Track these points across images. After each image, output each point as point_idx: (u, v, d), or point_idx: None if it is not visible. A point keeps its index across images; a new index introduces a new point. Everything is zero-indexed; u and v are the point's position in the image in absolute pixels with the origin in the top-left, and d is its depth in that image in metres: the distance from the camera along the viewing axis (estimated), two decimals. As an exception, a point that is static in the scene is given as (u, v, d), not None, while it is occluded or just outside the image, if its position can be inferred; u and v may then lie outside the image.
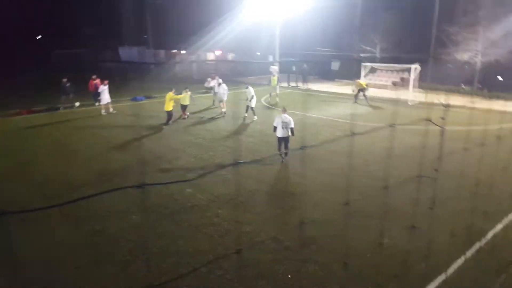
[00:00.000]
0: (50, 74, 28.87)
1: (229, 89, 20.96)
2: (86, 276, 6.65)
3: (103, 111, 20.79)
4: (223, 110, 20.39)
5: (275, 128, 12.76)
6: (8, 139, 15.76)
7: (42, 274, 6.73)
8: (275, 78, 26.27)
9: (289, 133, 12.57)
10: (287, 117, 12.63)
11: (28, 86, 29.22)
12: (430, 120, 2.30)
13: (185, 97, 19.16)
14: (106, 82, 20.80)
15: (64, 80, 21.72)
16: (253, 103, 19.20)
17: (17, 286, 6.43)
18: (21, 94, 24.45)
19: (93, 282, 6.51)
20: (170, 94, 17.58)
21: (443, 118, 2.48)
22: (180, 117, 19.23)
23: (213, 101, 23.03)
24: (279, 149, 12.91)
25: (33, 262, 7.11)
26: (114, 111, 20.95)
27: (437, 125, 2.43)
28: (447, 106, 2.49)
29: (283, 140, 12.70)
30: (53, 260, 7.17)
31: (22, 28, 67.53)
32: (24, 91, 26.12)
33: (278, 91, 26.27)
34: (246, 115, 19.42)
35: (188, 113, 19.61)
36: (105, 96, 20.71)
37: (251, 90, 19.57)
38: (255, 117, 19.17)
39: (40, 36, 76.45)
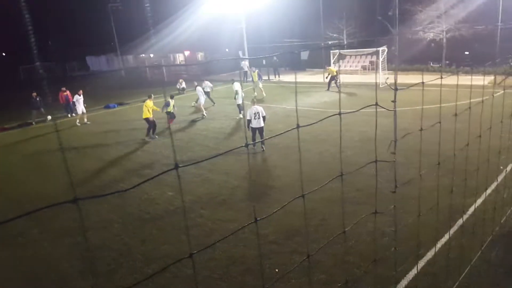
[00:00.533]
0: (19, 90, 28.20)
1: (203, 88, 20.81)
2: (72, 290, 6.56)
3: (77, 122, 20.43)
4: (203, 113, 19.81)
5: (249, 121, 12.93)
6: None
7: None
8: (255, 73, 25.28)
9: (263, 123, 12.95)
10: (258, 108, 12.95)
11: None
12: (378, 105, 2.32)
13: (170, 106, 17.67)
14: (80, 92, 20.58)
15: (34, 94, 21.25)
16: (239, 100, 18.06)
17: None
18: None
19: (79, 296, 6.42)
20: (148, 103, 15.76)
21: (393, 101, 2.51)
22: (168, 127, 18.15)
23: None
24: (254, 140, 13.12)
25: (17, 278, 6.97)
26: (88, 122, 20.60)
27: (387, 109, 2.46)
28: (396, 88, 2.52)
29: (257, 130, 13.00)
30: (37, 275, 7.05)
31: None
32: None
33: (261, 86, 25.15)
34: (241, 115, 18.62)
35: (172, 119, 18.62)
36: (80, 107, 20.48)
37: (235, 85, 19.19)
38: (240, 115, 18.68)
39: (4, 54, 74.44)
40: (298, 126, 2.04)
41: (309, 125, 2.48)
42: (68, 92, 22.33)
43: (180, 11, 41.45)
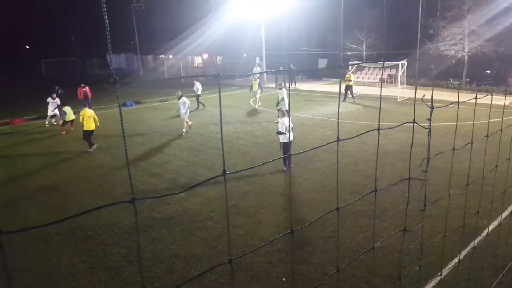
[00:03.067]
0: (41, 83, 28.78)
1: (214, 92, 21.02)
2: (81, 283, 6.61)
3: (46, 123, 19.94)
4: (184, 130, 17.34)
5: (281, 134, 11.56)
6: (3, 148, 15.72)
7: (37, 281, 6.67)
8: (257, 82, 23.94)
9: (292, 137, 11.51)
10: (289, 120, 12.21)
11: (20, 95, 29.11)
12: (415, 122, 2.30)
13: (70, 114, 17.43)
14: (54, 95, 19.94)
15: (56, 87, 21.87)
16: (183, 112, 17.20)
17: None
18: (13, 103, 24.34)
19: (87, 290, 6.47)
20: (86, 111, 14.66)
21: (429, 119, 2.48)
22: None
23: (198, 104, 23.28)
24: (285, 154, 11.58)
25: (27, 268, 7.06)
26: (55, 123, 20.04)
27: (424, 127, 2.43)
28: (432, 106, 2.48)
29: (290, 144, 11.43)
30: (47, 267, 7.14)
31: (11, 37, 67.27)
32: (16, 99, 26.00)
33: (258, 96, 23.77)
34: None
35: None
36: (51, 109, 19.80)
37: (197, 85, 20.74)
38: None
39: (28, 46, 76.18)
40: (338, 140, 2.02)
41: (349, 138, 2.45)
42: (87, 88, 22.74)
43: (201, 15, 41.87)
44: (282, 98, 17.98)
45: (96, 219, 8.85)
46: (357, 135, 2.72)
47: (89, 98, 22.82)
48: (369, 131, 2.58)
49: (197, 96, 23.02)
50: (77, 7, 63.78)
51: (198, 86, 23.02)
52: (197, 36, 41.31)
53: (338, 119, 2.07)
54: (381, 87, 2.87)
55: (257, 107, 23.36)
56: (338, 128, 2.23)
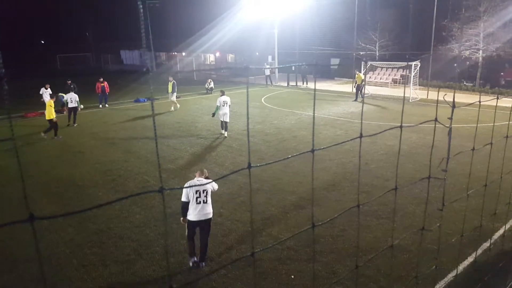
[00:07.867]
0: (56, 77, 29.09)
1: (225, 90, 20.85)
2: (93, 275, 6.73)
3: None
4: None
5: (185, 204, 6.70)
6: (17, 141, 15.91)
7: (49, 272, 6.81)
8: (171, 84, 22.34)
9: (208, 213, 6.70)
10: (203, 182, 6.74)
11: (34, 89, 29.53)
12: (437, 121, 2.32)
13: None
14: (47, 85, 20.85)
15: (69, 82, 22.07)
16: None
17: (24, 284, 6.50)
18: (28, 97, 24.60)
19: (99, 281, 6.58)
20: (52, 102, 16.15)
21: (450, 118, 2.50)
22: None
23: None
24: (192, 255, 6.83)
25: (40, 260, 7.20)
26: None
27: (445, 126, 2.45)
28: (453, 106, 2.51)
29: (197, 226, 6.74)
30: (59, 258, 7.27)
31: (26, 32, 68.20)
32: (30, 93, 26.35)
33: (174, 98, 22.52)
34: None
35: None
36: (47, 99, 20.05)
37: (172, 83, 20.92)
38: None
39: (43, 41, 77.12)
40: (361, 136, 2.05)
41: (372, 135, 2.48)
42: (105, 82, 22.97)
43: (215, 13, 41.99)
44: (217, 107, 15.71)
45: (108, 213, 8.98)
46: (381, 132, 2.76)
47: (107, 93, 23.09)
48: (392, 128, 2.61)
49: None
50: (92, 4, 64.38)
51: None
52: (211, 34, 41.47)
53: (362, 117, 2.11)
54: (404, 88, 2.91)
55: (172, 109, 22.24)
56: (361, 125, 2.26)
